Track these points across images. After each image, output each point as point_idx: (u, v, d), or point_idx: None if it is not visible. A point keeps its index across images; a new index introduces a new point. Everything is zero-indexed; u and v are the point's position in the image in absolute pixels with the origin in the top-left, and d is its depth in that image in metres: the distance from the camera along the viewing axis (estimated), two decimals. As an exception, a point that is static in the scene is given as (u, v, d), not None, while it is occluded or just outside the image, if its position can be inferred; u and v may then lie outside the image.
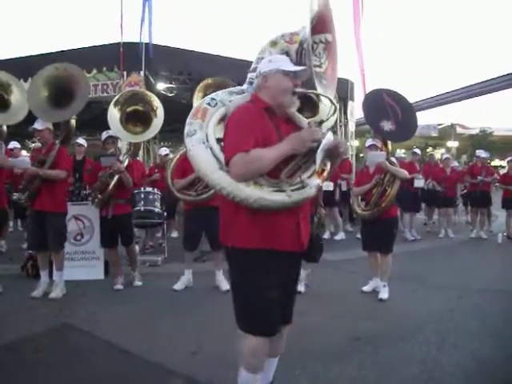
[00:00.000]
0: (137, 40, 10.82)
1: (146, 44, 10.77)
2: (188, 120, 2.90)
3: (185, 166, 6.34)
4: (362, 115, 7.15)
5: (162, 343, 4.46)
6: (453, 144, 40.26)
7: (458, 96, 26.38)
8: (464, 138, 43.97)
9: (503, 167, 19.19)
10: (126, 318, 5.21)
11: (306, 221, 2.80)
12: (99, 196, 6.32)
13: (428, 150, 33.58)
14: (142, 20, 10.80)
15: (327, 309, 5.42)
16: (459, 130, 44.36)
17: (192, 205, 6.39)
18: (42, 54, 11.49)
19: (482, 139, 41.36)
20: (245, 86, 3.11)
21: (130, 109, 6.57)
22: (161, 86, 12.50)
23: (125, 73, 10.77)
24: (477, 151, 12.43)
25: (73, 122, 6.23)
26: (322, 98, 3.31)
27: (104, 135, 6.58)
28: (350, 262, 7.94)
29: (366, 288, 6.17)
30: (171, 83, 12.89)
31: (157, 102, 6.59)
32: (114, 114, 6.49)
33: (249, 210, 2.57)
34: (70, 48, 11.55)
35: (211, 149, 2.70)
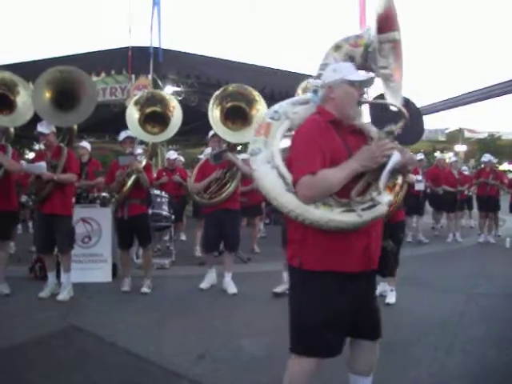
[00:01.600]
0: (146, 44, 10.87)
1: (155, 48, 10.82)
2: (251, 138, 2.77)
3: (205, 170, 6.52)
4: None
5: (169, 346, 4.47)
6: (461, 148, 40.12)
7: (466, 100, 26.22)
8: (472, 142, 43.84)
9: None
10: (134, 321, 5.21)
11: (378, 239, 2.66)
12: (116, 196, 6.34)
13: (436, 154, 33.51)
14: (151, 24, 10.84)
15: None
16: (467, 134, 44.27)
17: (209, 208, 6.51)
18: (51, 58, 11.54)
19: (491, 143, 41.27)
20: (309, 95, 2.98)
21: (148, 110, 6.62)
22: (169, 89, 12.56)
23: (133, 76, 10.83)
24: (483, 156, 12.41)
25: (75, 125, 6.30)
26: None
27: (122, 135, 6.62)
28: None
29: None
30: (179, 86, 12.97)
31: (174, 103, 6.65)
32: (132, 114, 6.55)
33: (318, 230, 2.46)
34: (78, 52, 11.61)
35: (277, 168, 2.55)
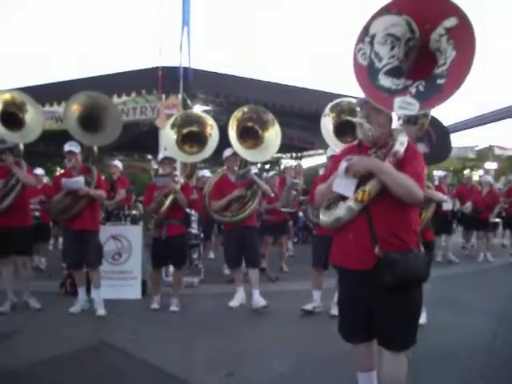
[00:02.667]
0: (175, 64, 11.03)
1: (185, 68, 10.97)
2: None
3: (222, 187, 6.53)
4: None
5: (198, 364, 4.49)
6: (491, 166, 39.47)
7: (496, 117, 25.93)
8: (503, 159, 43.10)
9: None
10: (163, 338, 5.25)
11: (359, 241, 2.89)
12: (154, 216, 6.38)
13: (465, 172, 33.05)
14: (181, 44, 10.99)
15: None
16: (497, 151, 43.53)
17: (230, 225, 6.55)
18: (84, 78, 11.81)
19: (522, 161, 40.55)
20: None
21: (185, 130, 6.79)
22: (197, 108, 12.70)
23: (163, 96, 10.98)
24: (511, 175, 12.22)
25: (95, 147, 6.49)
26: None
27: (161, 156, 6.74)
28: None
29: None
30: (208, 106, 13.11)
31: (211, 122, 6.80)
32: (170, 135, 6.72)
33: None
34: (109, 72, 11.84)
35: None
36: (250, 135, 6.61)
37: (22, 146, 6.43)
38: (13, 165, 6.06)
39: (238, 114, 6.57)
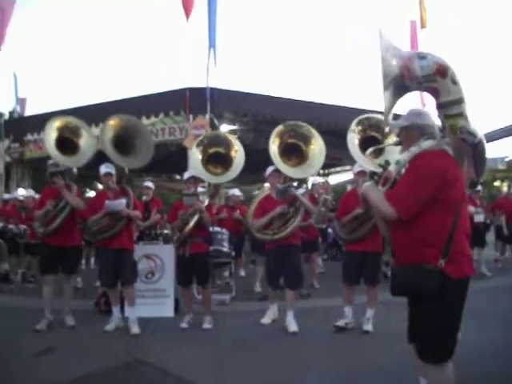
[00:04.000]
0: (202, 85, 11.21)
1: (212, 88, 11.15)
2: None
3: (265, 206, 6.52)
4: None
5: (231, 381, 4.55)
6: (521, 176, 38.80)
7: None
8: (533, 169, 42.36)
9: None
10: (196, 355, 5.30)
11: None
12: (178, 234, 6.47)
13: (496, 184, 32.51)
14: (208, 65, 11.19)
15: (395, 349, 5.26)
16: (528, 161, 42.85)
17: (272, 244, 6.50)
18: (112, 101, 12.09)
19: (553, 171, 39.80)
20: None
21: (211, 150, 6.86)
22: (224, 127, 12.85)
23: (191, 116, 11.15)
24: None
25: (127, 168, 6.64)
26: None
27: (186, 175, 6.81)
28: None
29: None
30: (234, 125, 13.25)
31: (238, 146, 6.84)
32: (195, 154, 6.80)
33: None
34: (138, 94, 12.10)
35: None
36: (295, 152, 6.56)
37: (75, 170, 6.68)
38: (63, 188, 6.29)
39: (279, 129, 6.54)
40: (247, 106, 12.03)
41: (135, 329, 6.15)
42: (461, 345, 5.30)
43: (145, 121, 11.25)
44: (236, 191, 10.62)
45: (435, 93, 3.00)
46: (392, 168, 3.06)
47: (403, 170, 3.04)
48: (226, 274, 9.25)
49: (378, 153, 5.04)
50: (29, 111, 18.77)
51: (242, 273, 10.95)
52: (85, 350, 5.47)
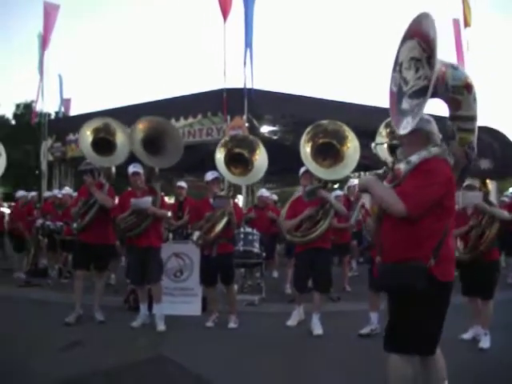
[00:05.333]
0: (240, 85, 11.26)
1: (249, 89, 11.17)
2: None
3: (296, 207, 6.46)
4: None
5: (252, 381, 4.54)
6: None
7: None
8: None
9: None
10: (220, 355, 5.30)
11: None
12: (206, 236, 6.44)
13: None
14: (244, 65, 11.23)
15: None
16: None
17: (301, 247, 6.44)
18: (150, 102, 12.27)
19: None
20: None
21: (235, 151, 6.88)
22: (264, 129, 12.87)
23: (228, 117, 11.21)
24: None
25: (156, 168, 6.70)
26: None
27: (210, 176, 6.82)
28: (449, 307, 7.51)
29: (465, 336, 5.83)
30: (274, 126, 13.24)
31: (261, 151, 6.84)
32: (219, 154, 6.83)
33: None
34: (176, 95, 12.24)
35: None
36: (329, 153, 6.40)
37: (114, 170, 6.83)
38: (92, 185, 6.46)
39: (311, 129, 6.42)
40: (286, 107, 12.02)
41: (161, 326, 6.23)
42: (489, 356, 5.22)
43: (182, 121, 11.40)
44: (264, 191, 10.50)
45: (457, 104, 3.07)
46: (402, 167, 3.10)
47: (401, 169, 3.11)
48: (258, 274, 9.25)
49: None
50: (73, 111, 19.30)
51: (275, 274, 10.89)
52: (110, 344, 5.58)
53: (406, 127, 3.02)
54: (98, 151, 6.56)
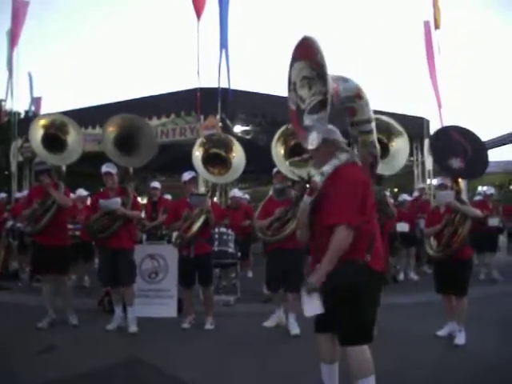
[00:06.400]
0: (214, 85, 11.19)
1: (224, 89, 11.12)
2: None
3: (268, 207, 6.48)
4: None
5: (228, 382, 4.51)
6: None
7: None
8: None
9: None
10: (196, 356, 5.28)
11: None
12: (184, 235, 6.40)
13: None
14: (219, 66, 11.17)
15: (399, 354, 5.20)
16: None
17: (271, 246, 6.49)
18: (122, 101, 12.12)
19: None
20: None
21: (211, 151, 6.86)
22: (238, 128, 12.81)
23: (202, 116, 11.13)
24: None
25: (131, 168, 6.63)
26: None
27: (187, 176, 6.78)
28: (423, 304, 7.61)
29: (440, 332, 5.91)
30: (247, 126, 13.19)
31: (238, 150, 6.85)
32: (196, 154, 6.79)
33: None
34: (149, 94, 12.12)
35: None
36: (302, 153, 6.39)
37: (64, 168, 6.60)
38: (49, 186, 6.27)
39: (283, 131, 6.37)
40: (260, 107, 11.97)
41: (133, 327, 6.15)
42: (464, 352, 5.28)
43: (156, 121, 11.28)
44: (236, 192, 10.55)
45: (352, 112, 3.37)
46: (317, 179, 3.29)
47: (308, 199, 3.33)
48: (233, 274, 9.22)
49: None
50: (44, 110, 18.95)
51: (250, 274, 10.85)
52: (85, 348, 5.51)
53: (312, 142, 3.34)
54: (49, 148, 6.42)
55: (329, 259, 3.19)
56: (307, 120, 3.36)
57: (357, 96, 3.28)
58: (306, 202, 3.33)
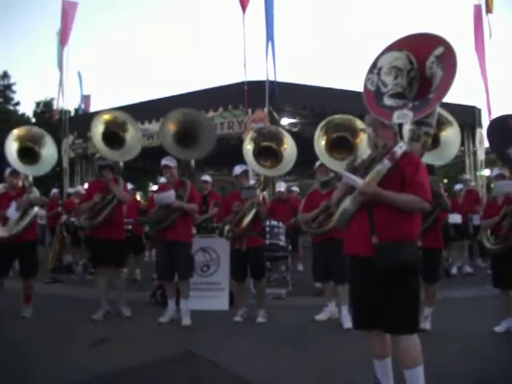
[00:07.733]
0: (261, 78, 11.18)
1: (271, 82, 11.09)
2: None
3: (313, 200, 6.44)
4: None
5: (283, 376, 4.45)
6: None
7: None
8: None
9: None
10: (249, 349, 5.26)
11: (361, 232, 3.30)
12: (235, 229, 6.42)
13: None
14: (266, 58, 11.14)
15: (454, 349, 5.07)
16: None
17: (317, 238, 6.43)
18: (171, 96, 12.25)
19: None
20: None
21: (263, 144, 6.85)
22: (285, 121, 12.78)
23: (249, 110, 11.14)
24: None
25: (192, 161, 6.69)
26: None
27: (238, 170, 6.79)
28: (477, 299, 7.43)
29: (498, 328, 5.68)
30: (294, 118, 13.15)
31: (289, 142, 6.78)
32: (247, 147, 6.81)
33: None
34: (197, 89, 12.21)
35: None
36: (344, 145, 6.23)
37: (122, 164, 6.76)
38: (111, 181, 6.39)
39: (325, 124, 6.26)
40: (307, 99, 11.92)
41: (186, 321, 6.19)
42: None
43: (204, 115, 11.37)
44: (281, 185, 10.42)
45: (429, 113, 3.53)
46: (398, 150, 3.31)
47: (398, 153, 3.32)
48: (283, 268, 9.19)
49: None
50: (93, 108, 19.38)
51: (300, 267, 10.80)
52: (138, 340, 5.57)
53: (404, 117, 3.44)
54: (109, 145, 6.59)
55: (396, 197, 3.22)
56: (389, 101, 3.54)
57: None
58: (385, 166, 3.28)
